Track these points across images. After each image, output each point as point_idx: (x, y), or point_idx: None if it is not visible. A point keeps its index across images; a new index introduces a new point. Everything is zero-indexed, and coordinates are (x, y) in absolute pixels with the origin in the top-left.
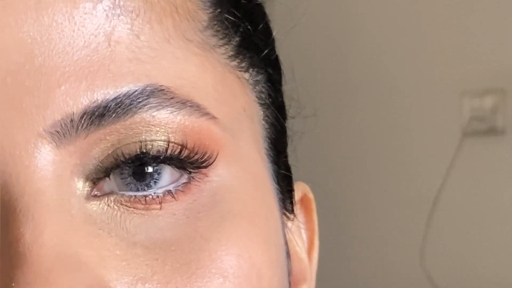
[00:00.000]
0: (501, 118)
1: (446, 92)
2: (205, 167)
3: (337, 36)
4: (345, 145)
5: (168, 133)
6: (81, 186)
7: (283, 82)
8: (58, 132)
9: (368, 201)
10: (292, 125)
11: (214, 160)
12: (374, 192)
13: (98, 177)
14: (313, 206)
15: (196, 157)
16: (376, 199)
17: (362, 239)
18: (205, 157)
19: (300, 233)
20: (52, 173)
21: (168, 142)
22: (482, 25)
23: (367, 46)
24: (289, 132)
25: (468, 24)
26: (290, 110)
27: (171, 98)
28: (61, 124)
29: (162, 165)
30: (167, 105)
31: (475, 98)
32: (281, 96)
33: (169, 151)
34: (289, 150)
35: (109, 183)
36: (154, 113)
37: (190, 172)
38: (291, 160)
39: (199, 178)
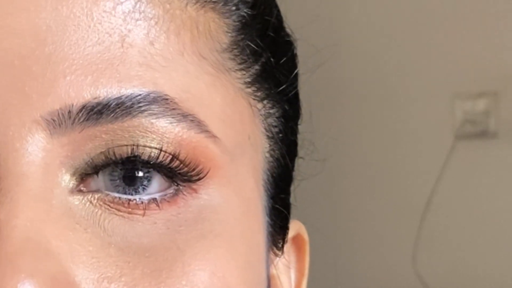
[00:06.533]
0: (493, 121)
1: (439, 95)
2: (195, 181)
3: (329, 38)
4: (337, 147)
5: (163, 142)
6: (67, 179)
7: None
8: (54, 120)
9: (360, 203)
10: None
11: (205, 176)
12: (367, 194)
13: (86, 172)
14: (307, 248)
15: (186, 169)
16: (369, 201)
17: (354, 241)
18: (195, 171)
19: (288, 272)
20: (40, 160)
21: (161, 150)
22: (475, 28)
23: (360, 49)
24: None
25: (461, 27)
26: None
27: (173, 109)
28: (58, 114)
29: (152, 171)
30: (167, 115)
31: (467, 101)
32: (294, 134)
33: (160, 158)
34: None
35: (97, 182)
36: (153, 120)
37: (178, 184)
38: None
39: (188, 193)
